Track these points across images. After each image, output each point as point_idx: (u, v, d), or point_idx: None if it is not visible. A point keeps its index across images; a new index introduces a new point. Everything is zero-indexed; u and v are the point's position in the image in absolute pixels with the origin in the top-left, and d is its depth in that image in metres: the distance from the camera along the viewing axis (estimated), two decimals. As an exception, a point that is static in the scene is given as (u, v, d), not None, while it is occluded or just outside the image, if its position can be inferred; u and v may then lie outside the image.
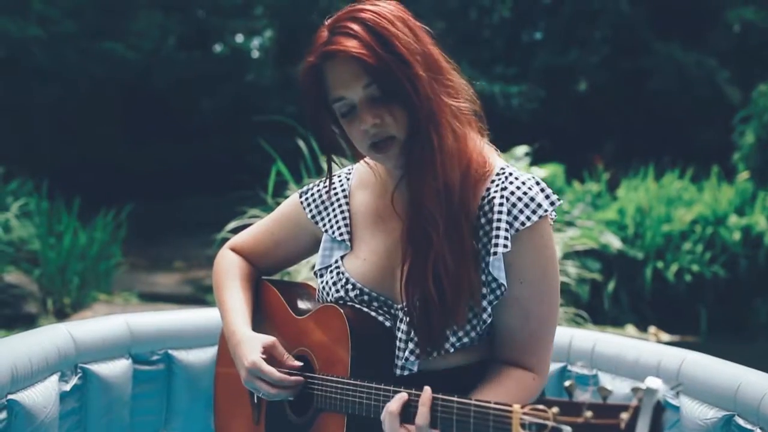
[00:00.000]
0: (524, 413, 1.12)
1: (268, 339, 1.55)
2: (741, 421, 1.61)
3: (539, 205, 1.41)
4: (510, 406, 1.15)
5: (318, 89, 1.46)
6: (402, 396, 1.31)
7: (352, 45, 1.39)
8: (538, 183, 1.44)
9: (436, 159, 1.40)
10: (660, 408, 0.99)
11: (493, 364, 1.48)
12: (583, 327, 4.20)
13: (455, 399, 1.25)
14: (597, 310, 6.23)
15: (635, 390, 1.01)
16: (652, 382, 0.99)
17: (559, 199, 1.45)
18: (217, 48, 14.37)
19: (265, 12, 13.52)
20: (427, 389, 1.29)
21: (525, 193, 1.42)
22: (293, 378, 1.50)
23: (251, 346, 1.54)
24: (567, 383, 1.09)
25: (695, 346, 5.92)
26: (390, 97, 1.41)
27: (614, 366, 1.94)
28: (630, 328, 6.55)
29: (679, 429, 1.76)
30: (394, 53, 1.40)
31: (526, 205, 1.41)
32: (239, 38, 14.52)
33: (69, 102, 11.39)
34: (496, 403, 1.18)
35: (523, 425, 1.12)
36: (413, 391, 1.31)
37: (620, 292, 6.84)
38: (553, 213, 1.45)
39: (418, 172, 1.42)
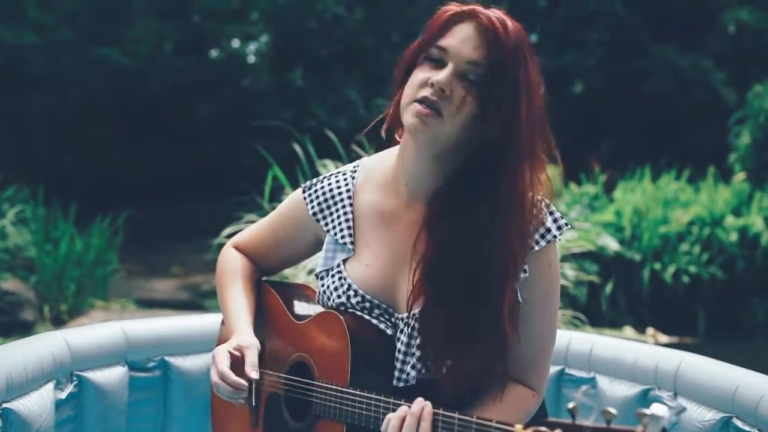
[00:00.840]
0: None
1: (251, 341, 1.55)
2: (739, 423, 1.61)
3: (548, 230, 1.45)
4: (512, 426, 1.14)
5: (433, 33, 1.42)
6: (404, 410, 1.30)
7: (501, 30, 1.39)
8: (548, 206, 1.47)
9: (498, 203, 1.39)
10: None
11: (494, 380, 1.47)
12: (581, 329, 4.20)
13: (456, 416, 1.24)
14: (595, 312, 6.22)
15: (640, 415, 0.99)
16: (658, 409, 0.98)
17: (567, 225, 1.48)
18: (214, 53, 14.36)
19: (261, 17, 13.51)
20: (428, 404, 1.27)
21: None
22: (235, 378, 1.48)
23: (233, 340, 1.56)
24: (570, 405, 1.07)
25: (693, 347, 5.94)
26: (482, 92, 1.38)
27: (612, 369, 1.94)
28: (628, 330, 6.55)
29: (677, 431, 1.75)
30: (523, 72, 1.40)
31: (536, 230, 1.44)
32: (235, 43, 14.51)
33: (65, 108, 11.37)
34: (497, 422, 1.17)
35: None
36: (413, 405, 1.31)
37: (618, 294, 6.84)
38: (560, 237, 1.48)
39: (493, 214, 1.38)
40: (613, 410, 1.03)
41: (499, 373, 1.43)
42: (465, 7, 1.43)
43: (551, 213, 1.46)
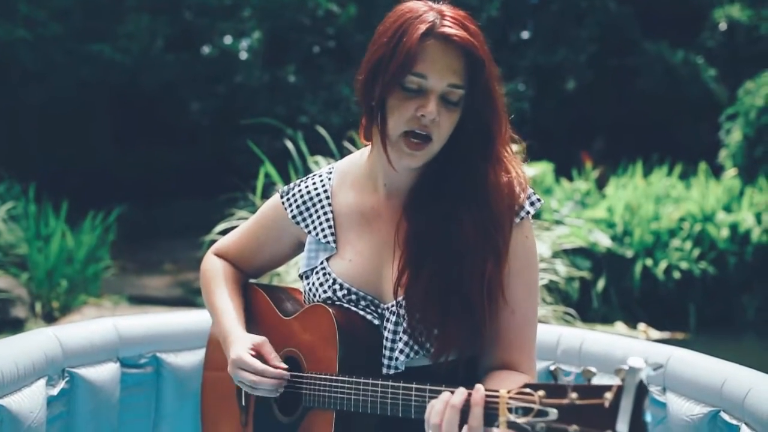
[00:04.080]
0: (510, 397, 1.13)
1: (258, 338, 1.57)
2: (726, 417, 1.63)
3: (521, 207, 1.49)
4: (497, 391, 1.16)
5: (403, 50, 1.39)
6: (447, 395, 1.24)
7: (474, 42, 1.40)
8: (520, 184, 1.50)
9: (487, 191, 1.44)
10: (643, 387, 1.01)
11: (486, 370, 1.49)
12: (572, 325, 4.21)
13: (443, 389, 1.25)
14: (586, 308, 6.25)
15: (618, 371, 1.03)
16: (635, 362, 1.00)
17: (539, 200, 1.52)
18: (206, 50, 14.33)
19: (253, 13, 13.49)
20: (479, 387, 1.21)
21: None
22: (276, 370, 1.50)
23: (239, 343, 1.55)
24: (552, 367, 1.11)
25: (684, 342, 5.97)
26: (465, 106, 1.42)
27: (602, 364, 1.94)
28: (619, 326, 6.58)
29: (665, 425, 1.77)
30: (492, 70, 1.43)
31: (510, 208, 1.48)
32: (227, 40, 14.48)
33: (56, 104, 11.33)
34: (485, 389, 1.19)
35: (510, 409, 1.13)
36: (405, 384, 1.32)
37: (609, 289, 6.87)
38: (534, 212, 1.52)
39: (466, 201, 1.44)
40: (593, 369, 1.07)
41: (482, 345, 1.47)
42: (428, 22, 1.39)
43: (523, 190, 1.50)
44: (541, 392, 1.09)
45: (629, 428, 1.00)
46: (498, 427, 1.15)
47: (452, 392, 1.24)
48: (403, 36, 1.40)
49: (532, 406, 1.09)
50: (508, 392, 1.14)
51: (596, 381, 1.07)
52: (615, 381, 1.04)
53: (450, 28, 1.39)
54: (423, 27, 1.39)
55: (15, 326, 5.59)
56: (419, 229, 1.46)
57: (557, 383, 1.09)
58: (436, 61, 1.38)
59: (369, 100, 1.45)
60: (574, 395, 1.06)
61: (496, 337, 1.48)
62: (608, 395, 1.03)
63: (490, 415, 1.17)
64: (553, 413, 1.07)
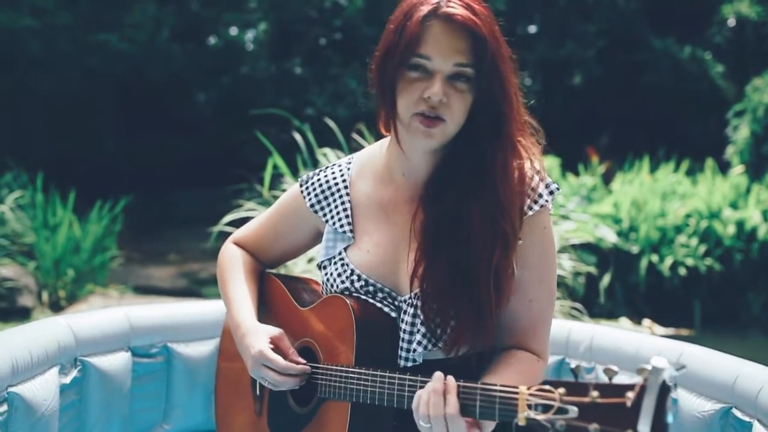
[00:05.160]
0: (530, 394, 1.13)
1: (275, 330, 1.56)
2: (738, 413, 1.62)
3: (540, 195, 1.47)
4: (516, 387, 1.16)
5: (409, 33, 1.39)
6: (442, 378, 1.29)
7: (477, 21, 1.38)
8: (538, 172, 1.48)
9: (496, 175, 1.42)
10: (666, 387, 1.00)
11: (499, 351, 1.50)
12: (578, 320, 4.21)
13: (460, 384, 1.26)
14: (592, 303, 6.24)
15: (641, 370, 1.02)
16: (658, 362, 1.00)
17: (558, 188, 1.50)
18: (212, 40, 14.31)
19: (260, 5, 13.46)
20: (450, 378, 1.27)
21: (526, 184, 1.47)
22: (299, 366, 1.50)
23: (258, 336, 1.54)
24: (573, 365, 1.10)
25: (689, 339, 5.96)
26: (476, 87, 1.40)
27: (613, 359, 1.95)
28: (624, 322, 6.57)
29: (677, 422, 1.77)
30: (502, 50, 1.42)
31: (528, 196, 1.47)
32: (233, 31, 14.45)
33: (63, 93, 11.32)
34: (502, 386, 1.19)
35: (529, 406, 1.12)
36: (423, 378, 1.32)
37: (615, 285, 6.86)
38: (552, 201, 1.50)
39: (475, 184, 1.43)
40: (615, 367, 1.07)
41: (493, 335, 1.46)
42: (431, 3, 1.40)
43: (541, 179, 1.49)
44: (561, 390, 1.09)
45: (651, 429, 1.00)
46: (517, 423, 1.15)
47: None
48: (407, 20, 1.41)
49: (552, 403, 1.09)
50: (528, 389, 1.14)
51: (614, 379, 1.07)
52: (637, 380, 1.03)
53: (453, 9, 1.39)
54: (426, 9, 1.40)
55: (22, 315, 5.61)
56: (433, 220, 1.45)
57: (578, 381, 1.09)
58: (440, 41, 1.38)
59: (381, 87, 1.45)
60: (595, 393, 1.06)
61: (512, 325, 1.48)
62: (630, 394, 1.03)
63: (509, 410, 1.16)
64: (574, 411, 1.07)
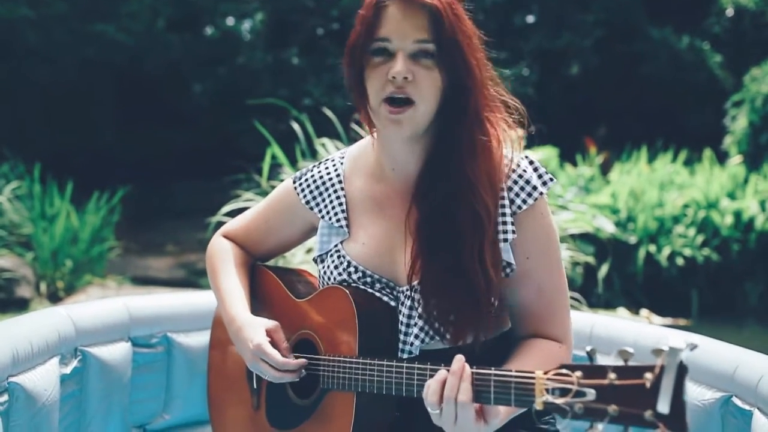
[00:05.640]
0: (548, 379, 1.12)
1: (271, 322, 1.55)
2: (739, 402, 1.63)
3: (534, 188, 1.46)
4: (532, 372, 1.15)
5: (370, 21, 1.41)
6: (443, 373, 1.29)
7: None
8: (531, 163, 1.48)
9: (463, 153, 1.41)
10: (683, 367, 1.00)
11: (518, 340, 1.49)
12: (577, 310, 4.22)
13: (474, 370, 1.25)
14: (590, 293, 6.26)
15: (657, 351, 1.02)
16: (675, 342, 0.99)
17: (551, 178, 1.49)
18: (208, 31, 14.26)
19: (257, -5, 13.43)
20: (466, 365, 1.26)
21: (520, 176, 1.46)
22: (297, 361, 1.50)
23: (254, 329, 1.53)
24: (588, 348, 1.10)
25: (686, 329, 5.97)
26: (440, 63, 1.39)
27: (612, 349, 1.95)
28: (622, 312, 6.58)
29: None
30: (463, 24, 1.42)
31: (522, 189, 1.46)
32: (230, 21, 14.41)
33: (60, 84, 11.29)
34: (517, 371, 1.18)
35: (547, 390, 1.12)
36: (432, 367, 1.31)
37: (612, 275, 6.87)
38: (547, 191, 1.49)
39: (447, 163, 1.42)
40: (630, 349, 1.06)
41: (493, 323, 1.45)
42: None
43: (535, 169, 1.47)
44: (578, 373, 1.09)
45: (670, 408, 1.00)
46: (535, 408, 1.14)
47: (448, 370, 1.27)
48: (366, 8, 1.43)
49: (569, 387, 1.09)
50: (545, 373, 1.13)
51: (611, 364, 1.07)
52: (654, 362, 1.03)
53: None
54: None
55: (20, 306, 5.61)
56: (425, 216, 1.45)
57: (595, 364, 1.08)
58: (398, 21, 1.39)
59: (351, 78, 1.46)
60: (612, 376, 1.06)
61: (526, 314, 1.48)
62: (649, 375, 1.03)
63: (526, 395, 1.16)
64: (591, 394, 1.07)
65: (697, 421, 1.69)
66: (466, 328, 1.42)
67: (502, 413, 1.31)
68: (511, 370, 1.20)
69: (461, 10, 1.44)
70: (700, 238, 7.10)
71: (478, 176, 1.41)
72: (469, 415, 1.25)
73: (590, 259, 6.00)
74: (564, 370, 1.10)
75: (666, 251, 6.96)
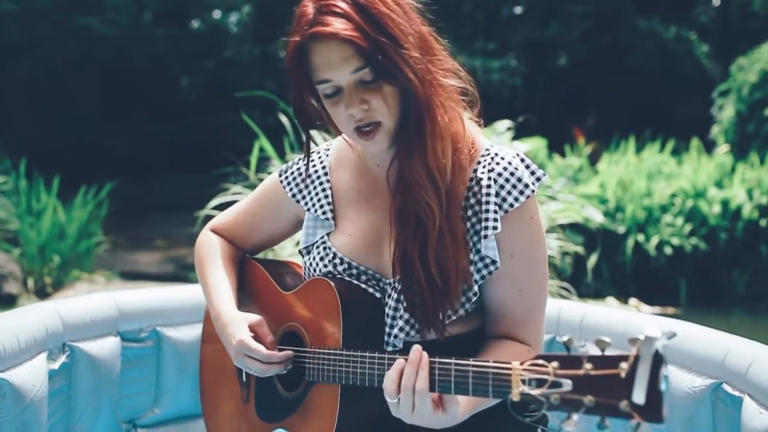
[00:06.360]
0: (524, 369, 1.12)
1: (254, 317, 1.55)
2: (729, 389, 1.63)
3: (526, 185, 1.44)
4: (509, 363, 1.15)
5: (302, 69, 1.40)
6: (401, 362, 1.30)
7: (342, 27, 1.34)
8: (522, 160, 1.46)
9: (427, 142, 1.40)
10: (659, 356, 1.00)
11: (488, 339, 1.49)
12: (568, 300, 4.24)
13: (453, 361, 1.25)
14: (579, 283, 6.28)
15: (633, 340, 1.02)
16: (650, 331, 0.99)
17: (544, 174, 1.47)
18: (194, 24, 14.18)
19: (243, -13, 13.35)
20: (424, 353, 1.28)
21: (512, 174, 1.44)
22: (282, 353, 1.49)
23: (238, 325, 1.53)
24: (564, 338, 1.09)
25: (675, 317, 5.99)
26: (382, 81, 1.37)
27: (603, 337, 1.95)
28: (611, 301, 6.62)
29: (667, 397, 1.77)
30: (387, 34, 1.36)
31: (514, 186, 1.43)
32: (216, 14, 14.34)
33: (45, 78, 11.20)
34: (495, 362, 1.18)
35: (523, 381, 1.12)
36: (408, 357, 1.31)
37: (601, 265, 6.90)
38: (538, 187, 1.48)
39: (410, 155, 1.41)
40: (607, 339, 1.06)
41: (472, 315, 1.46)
42: (300, 35, 1.37)
43: (527, 166, 1.45)
44: (554, 363, 1.08)
45: (646, 398, 1.00)
46: (511, 399, 1.14)
47: (405, 359, 1.28)
48: (294, 59, 1.40)
49: (545, 377, 1.09)
50: (521, 364, 1.13)
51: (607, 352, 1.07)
52: (630, 351, 1.03)
53: (320, 27, 1.35)
54: (298, 38, 1.38)
55: (8, 302, 5.57)
56: (403, 210, 1.44)
57: (571, 354, 1.08)
58: (327, 60, 1.37)
59: (313, 121, 1.49)
60: (588, 366, 1.05)
61: (502, 315, 1.47)
62: (624, 365, 1.02)
63: (502, 387, 1.16)
64: (568, 384, 1.06)
65: (687, 408, 1.70)
66: (437, 322, 1.42)
67: (463, 403, 1.31)
68: (488, 360, 1.20)
69: (380, 8, 1.37)
70: (688, 227, 7.14)
71: (425, 165, 1.40)
72: (426, 403, 1.26)
73: (579, 249, 6.02)
74: (540, 361, 1.10)
75: (654, 240, 7.00)
